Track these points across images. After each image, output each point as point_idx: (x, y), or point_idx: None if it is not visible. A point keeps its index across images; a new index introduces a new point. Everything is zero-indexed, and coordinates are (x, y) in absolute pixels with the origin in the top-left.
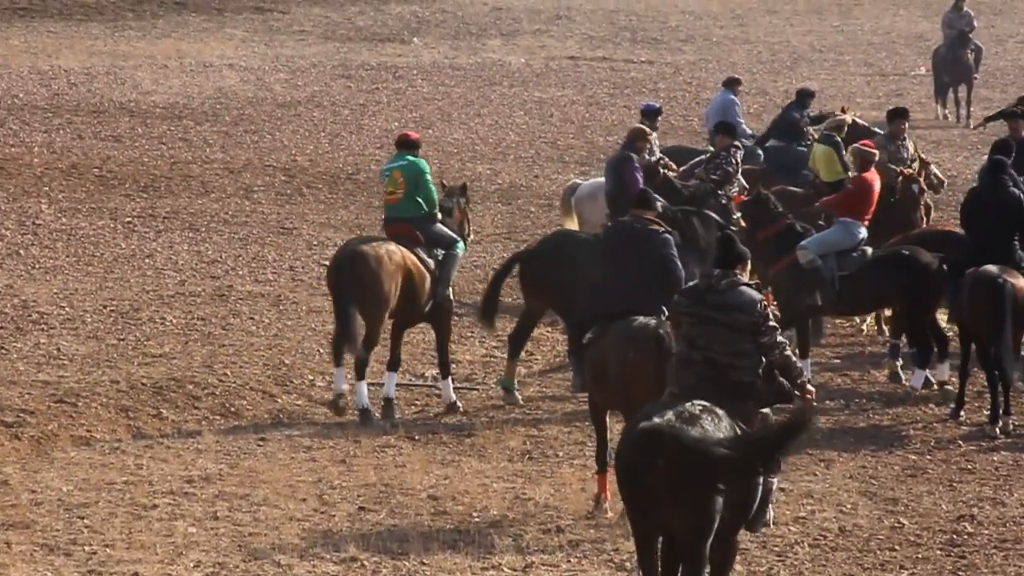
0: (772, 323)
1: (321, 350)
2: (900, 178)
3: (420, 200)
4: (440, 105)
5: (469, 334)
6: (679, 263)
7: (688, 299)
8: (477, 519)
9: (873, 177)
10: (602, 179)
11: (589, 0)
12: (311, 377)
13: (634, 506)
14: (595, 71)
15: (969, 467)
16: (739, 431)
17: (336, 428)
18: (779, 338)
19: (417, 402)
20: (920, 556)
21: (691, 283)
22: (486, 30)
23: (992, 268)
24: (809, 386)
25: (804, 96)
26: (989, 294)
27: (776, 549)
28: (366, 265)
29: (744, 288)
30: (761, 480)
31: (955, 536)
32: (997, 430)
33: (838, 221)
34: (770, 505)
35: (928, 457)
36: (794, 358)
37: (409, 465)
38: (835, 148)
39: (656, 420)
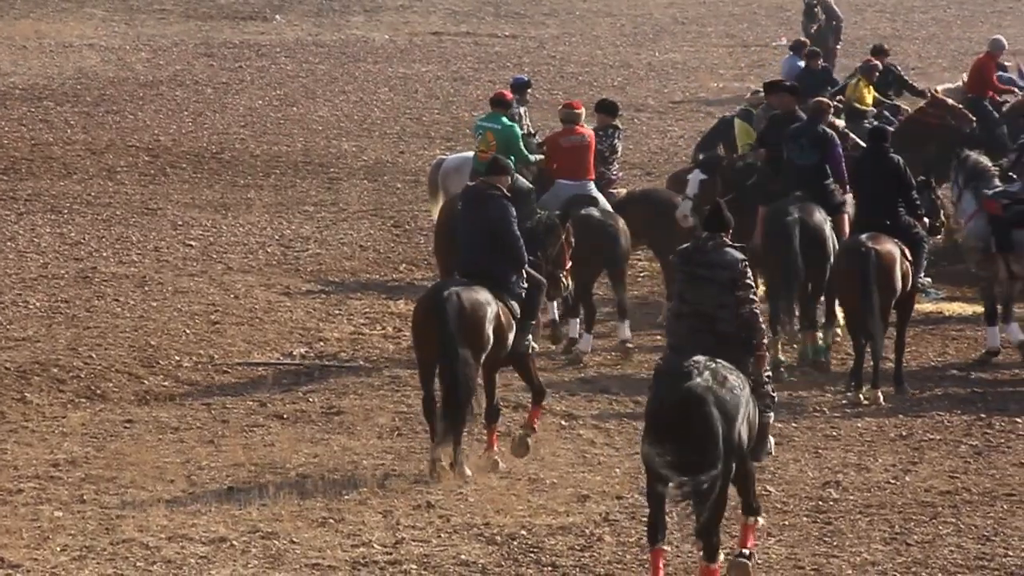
0: (749, 281)
1: (188, 330)
2: None
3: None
4: (304, 83)
5: (337, 312)
6: (514, 228)
7: (680, 259)
8: (347, 497)
9: None
10: (468, 153)
11: None
12: (177, 358)
13: (659, 452)
14: (459, 46)
15: (834, 434)
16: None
17: (203, 408)
18: (752, 296)
19: (284, 380)
20: (787, 523)
21: (682, 246)
22: (349, 7)
23: (861, 236)
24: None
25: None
26: (854, 261)
27: (643, 518)
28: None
29: (728, 248)
30: (758, 417)
31: (821, 503)
32: (862, 396)
33: None
34: (769, 436)
35: (794, 425)
36: (760, 318)
37: (278, 444)
38: (748, 121)
39: (697, 380)
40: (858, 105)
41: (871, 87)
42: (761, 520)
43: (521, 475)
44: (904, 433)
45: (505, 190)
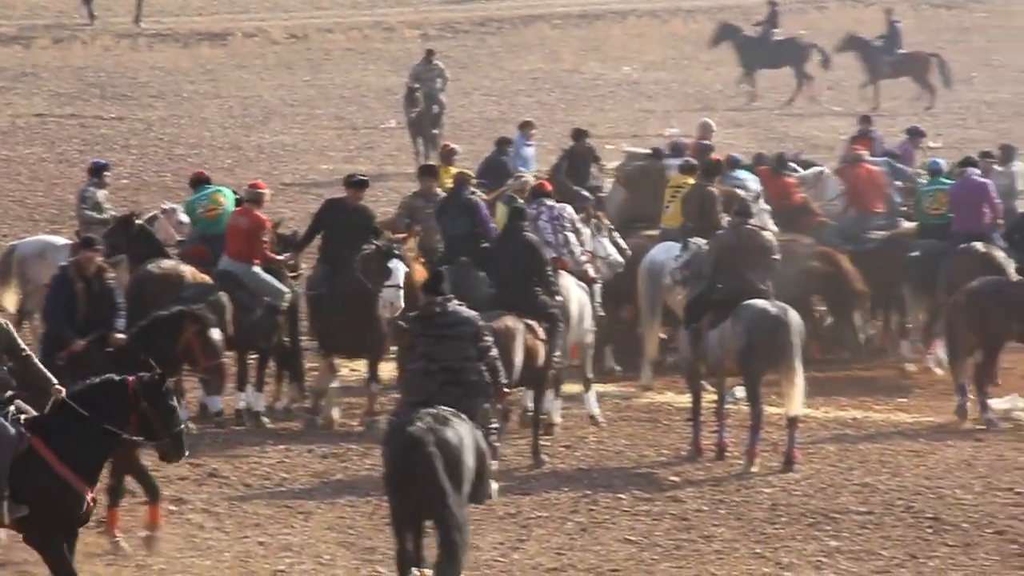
0: (486, 332)
1: None
2: None
3: None
4: None
5: None
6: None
7: (420, 324)
8: None
9: None
10: (47, 237)
11: (56, 57)
12: None
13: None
14: (64, 128)
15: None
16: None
17: None
18: (490, 343)
19: None
20: None
21: (414, 313)
22: None
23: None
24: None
25: (503, 143)
26: None
27: None
28: None
29: (459, 306)
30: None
31: None
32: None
33: None
34: (491, 480)
35: None
36: (499, 361)
37: None
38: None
39: (419, 425)
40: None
41: (448, 169)
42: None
43: (128, 561)
44: (512, 511)
45: None
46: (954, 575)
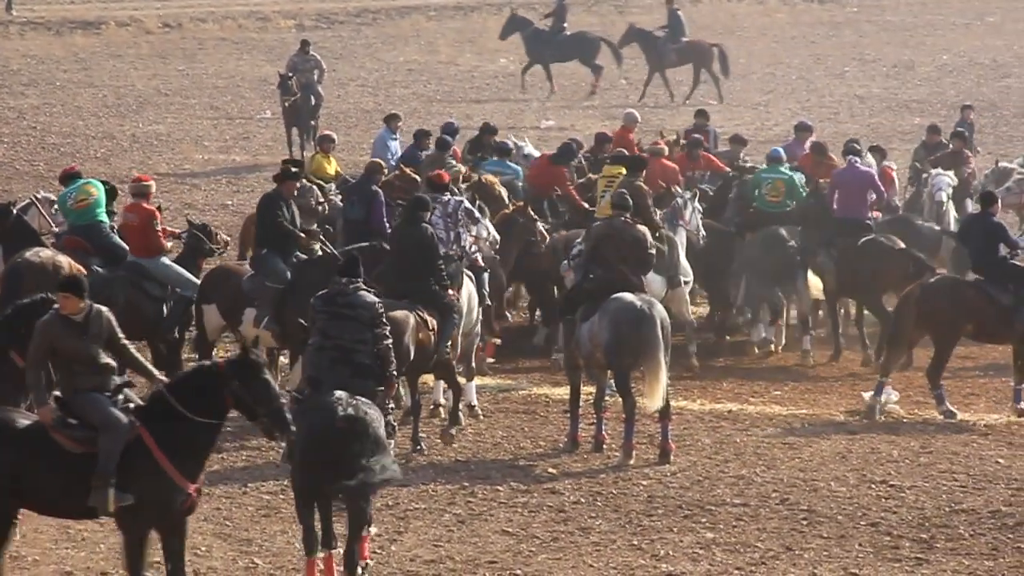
0: (385, 321)
1: None
2: None
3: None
4: None
5: None
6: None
7: (322, 301)
8: None
9: None
10: None
11: None
12: None
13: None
14: None
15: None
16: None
17: None
18: (387, 333)
19: None
20: None
21: (322, 291)
22: None
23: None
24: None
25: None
26: None
27: None
28: None
29: (365, 291)
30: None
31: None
32: None
33: None
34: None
35: (281, 496)
36: (391, 351)
37: None
38: None
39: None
40: (315, 176)
41: (329, 158)
42: (373, 529)
43: None
44: (390, 503)
45: None
46: (829, 567)
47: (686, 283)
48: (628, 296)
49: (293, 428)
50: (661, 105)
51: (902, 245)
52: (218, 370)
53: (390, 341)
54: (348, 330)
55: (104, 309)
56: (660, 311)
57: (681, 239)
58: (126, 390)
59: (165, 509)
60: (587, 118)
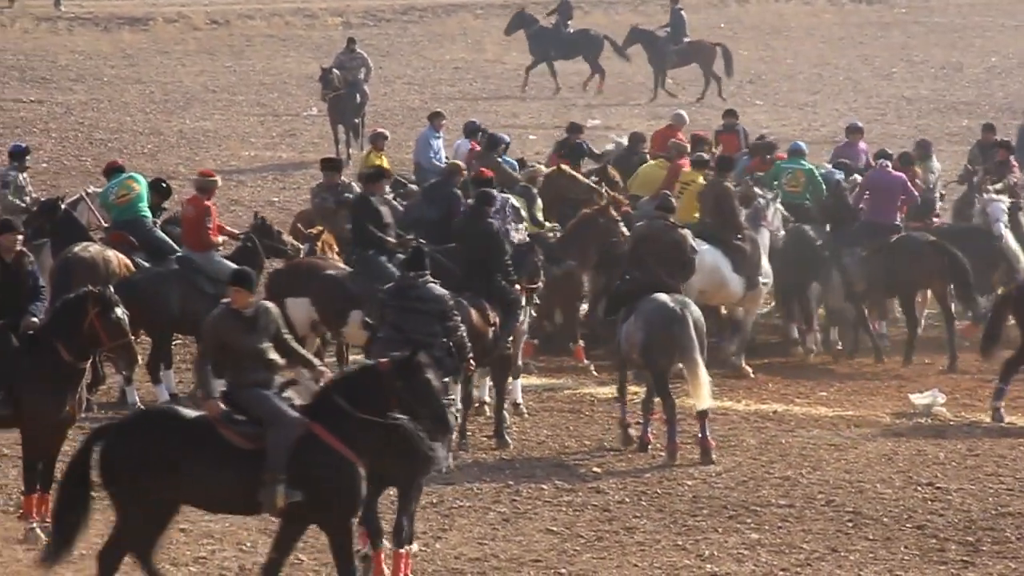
0: (455, 312)
1: None
2: None
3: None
4: None
5: None
6: None
7: (392, 295)
8: None
9: None
10: None
11: None
12: None
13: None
14: None
15: None
16: None
17: None
18: (460, 323)
19: None
20: None
21: (390, 284)
22: None
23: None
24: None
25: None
26: None
27: None
28: None
29: (433, 284)
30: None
31: None
32: None
33: None
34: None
35: None
36: (466, 339)
37: None
38: (528, 199)
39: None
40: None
41: (381, 155)
42: (414, 547)
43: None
44: (435, 500)
45: None
46: (874, 569)
47: (764, 284)
48: (662, 296)
49: (455, 430)
50: (673, 105)
51: (933, 239)
52: (380, 372)
53: (463, 331)
54: (420, 323)
55: (271, 305)
56: (694, 311)
57: (763, 240)
58: (293, 387)
59: (359, 498)
60: (633, 117)
